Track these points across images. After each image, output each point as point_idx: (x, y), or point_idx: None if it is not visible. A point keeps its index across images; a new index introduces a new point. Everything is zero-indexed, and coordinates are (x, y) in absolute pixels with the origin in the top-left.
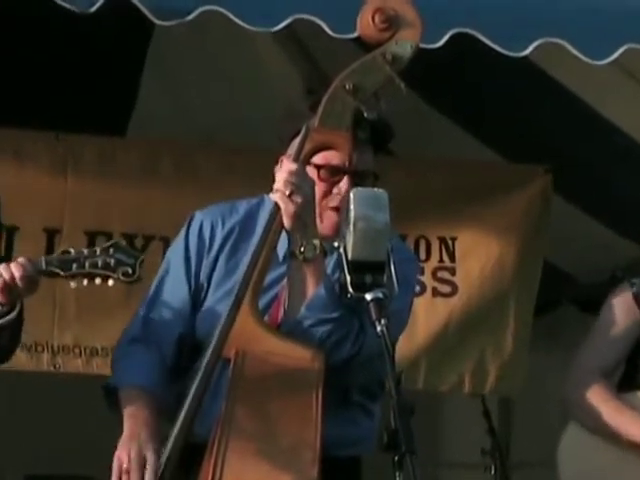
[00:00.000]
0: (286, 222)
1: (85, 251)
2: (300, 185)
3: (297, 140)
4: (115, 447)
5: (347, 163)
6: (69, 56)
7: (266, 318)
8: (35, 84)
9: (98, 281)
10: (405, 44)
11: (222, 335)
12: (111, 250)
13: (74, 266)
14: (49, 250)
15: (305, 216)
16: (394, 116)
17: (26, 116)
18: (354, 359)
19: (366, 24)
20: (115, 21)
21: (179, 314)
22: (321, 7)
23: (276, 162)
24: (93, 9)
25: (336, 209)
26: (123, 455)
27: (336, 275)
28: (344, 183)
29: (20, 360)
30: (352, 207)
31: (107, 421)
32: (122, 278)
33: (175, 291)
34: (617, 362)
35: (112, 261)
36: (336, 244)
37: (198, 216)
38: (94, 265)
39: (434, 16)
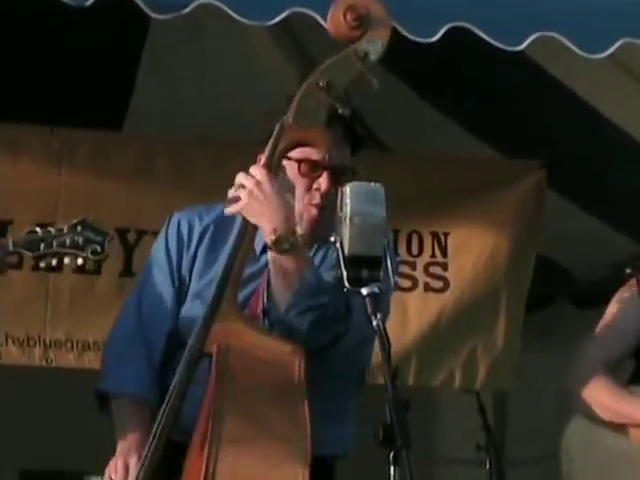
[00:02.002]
0: (251, 220)
1: (52, 230)
2: (252, 189)
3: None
4: (109, 442)
5: (326, 158)
6: (65, 51)
7: (245, 312)
8: (30, 78)
9: (67, 260)
10: (377, 42)
11: (203, 330)
12: (79, 228)
13: (42, 246)
14: None
15: (255, 214)
16: (389, 111)
17: (21, 110)
18: (343, 339)
19: (337, 21)
20: (111, 15)
21: (166, 312)
22: (317, 1)
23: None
24: (89, 3)
25: (316, 205)
26: (112, 467)
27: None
28: (323, 179)
29: (12, 354)
30: (348, 202)
31: (102, 417)
32: (91, 256)
33: (160, 289)
34: (622, 355)
35: (80, 239)
36: (332, 239)
37: (176, 216)
38: (62, 244)
39: (430, 10)
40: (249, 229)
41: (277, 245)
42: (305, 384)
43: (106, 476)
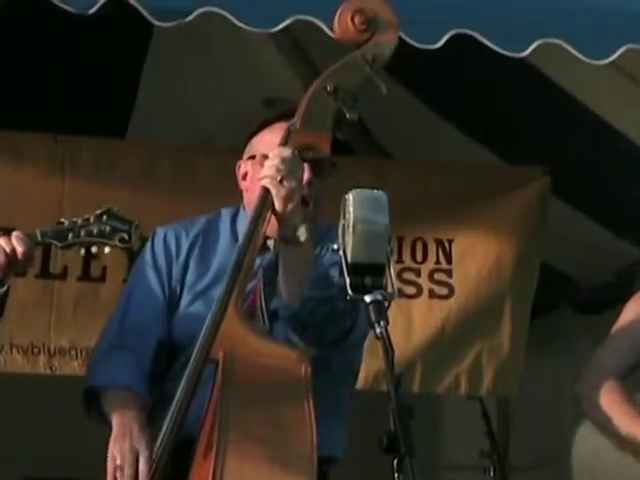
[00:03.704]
0: (279, 206)
1: (79, 220)
2: (292, 170)
3: (259, 137)
4: None
5: (305, 151)
6: (68, 58)
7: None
8: (34, 85)
9: (94, 250)
10: (385, 46)
11: (209, 337)
12: (104, 217)
13: (70, 236)
14: (45, 252)
15: (298, 199)
16: (391, 118)
17: (24, 117)
18: (352, 333)
19: (345, 25)
20: (114, 23)
21: (156, 320)
22: (320, 8)
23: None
24: (92, 11)
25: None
26: (116, 451)
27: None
28: (305, 172)
29: (16, 362)
30: (351, 209)
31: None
32: (119, 244)
33: (149, 298)
34: (634, 364)
35: (107, 228)
36: (335, 246)
37: (160, 230)
38: (89, 233)
39: (433, 17)
40: (262, 222)
41: (299, 236)
42: (312, 390)
43: (109, 462)
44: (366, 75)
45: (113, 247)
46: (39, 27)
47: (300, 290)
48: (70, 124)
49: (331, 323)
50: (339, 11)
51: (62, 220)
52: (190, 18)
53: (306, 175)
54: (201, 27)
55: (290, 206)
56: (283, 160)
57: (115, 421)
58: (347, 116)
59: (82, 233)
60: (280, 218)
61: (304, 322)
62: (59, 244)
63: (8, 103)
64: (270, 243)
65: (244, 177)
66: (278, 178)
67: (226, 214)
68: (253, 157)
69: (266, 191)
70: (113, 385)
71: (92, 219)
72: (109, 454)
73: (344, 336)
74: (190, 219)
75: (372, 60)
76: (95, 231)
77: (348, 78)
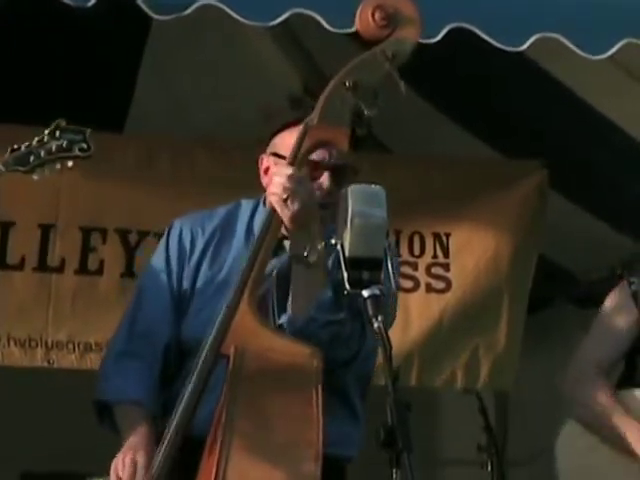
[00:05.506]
0: (286, 224)
1: (34, 143)
2: (296, 190)
3: (281, 137)
4: (111, 444)
5: (327, 158)
6: (66, 51)
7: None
8: (31, 79)
9: (59, 166)
10: (405, 42)
11: (221, 332)
12: (57, 133)
13: (31, 159)
14: (43, 245)
15: (304, 220)
16: (389, 113)
17: (22, 111)
18: (357, 357)
19: (366, 21)
20: (112, 16)
21: (164, 324)
22: (318, 1)
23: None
24: (90, 4)
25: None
26: (119, 462)
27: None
28: (325, 178)
29: (14, 355)
30: (349, 203)
31: None
32: (80, 154)
33: (158, 301)
34: (615, 359)
35: (64, 142)
36: (333, 241)
37: (177, 224)
38: (49, 151)
39: (431, 11)
40: (270, 235)
41: (307, 257)
42: (322, 386)
43: (112, 473)
44: (385, 71)
45: (75, 159)
46: (37, 22)
47: (305, 310)
48: (68, 118)
49: (336, 346)
50: (360, 7)
51: (16, 146)
52: (189, 11)
53: (326, 183)
54: (199, 21)
55: (297, 226)
56: (289, 178)
57: (126, 437)
58: (366, 112)
59: (42, 153)
60: (289, 234)
61: (307, 339)
62: (23, 169)
63: (6, 96)
64: (286, 243)
65: (266, 171)
66: (284, 197)
67: (246, 206)
68: (274, 155)
69: (273, 209)
70: (124, 400)
71: (46, 138)
72: (113, 465)
73: (349, 360)
74: (210, 211)
75: (392, 56)
76: (54, 148)
77: (367, 74)
